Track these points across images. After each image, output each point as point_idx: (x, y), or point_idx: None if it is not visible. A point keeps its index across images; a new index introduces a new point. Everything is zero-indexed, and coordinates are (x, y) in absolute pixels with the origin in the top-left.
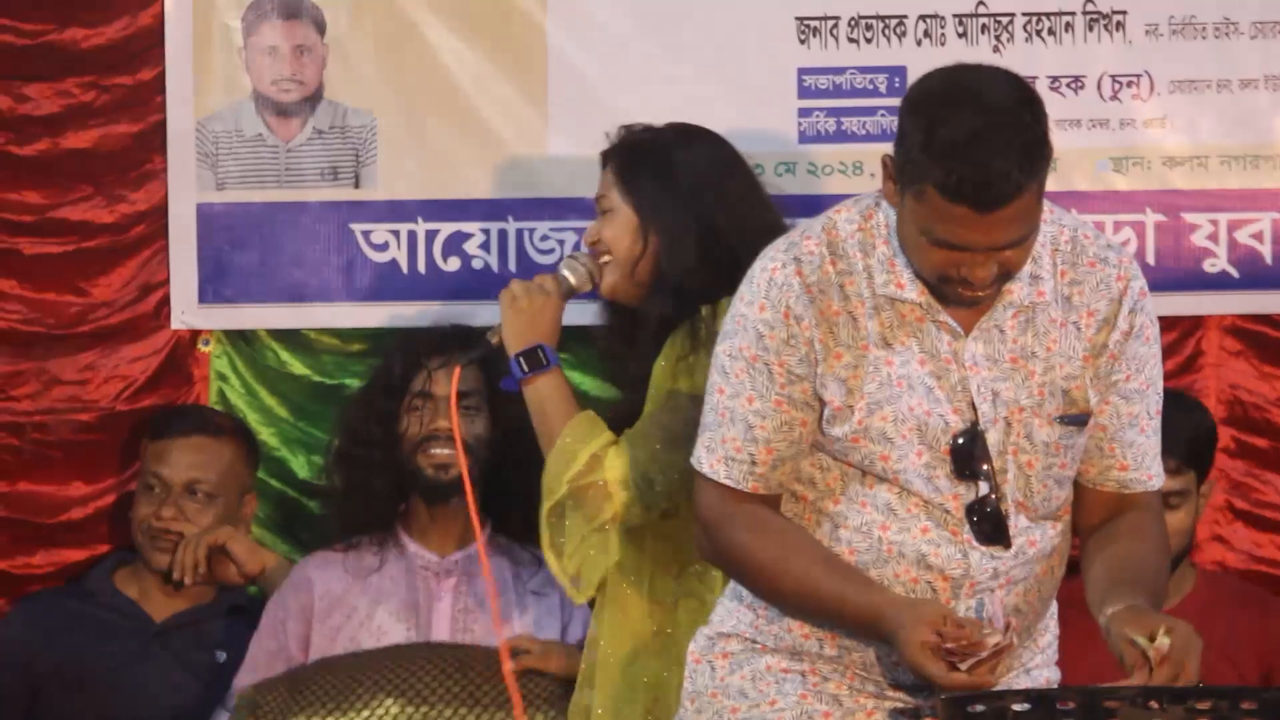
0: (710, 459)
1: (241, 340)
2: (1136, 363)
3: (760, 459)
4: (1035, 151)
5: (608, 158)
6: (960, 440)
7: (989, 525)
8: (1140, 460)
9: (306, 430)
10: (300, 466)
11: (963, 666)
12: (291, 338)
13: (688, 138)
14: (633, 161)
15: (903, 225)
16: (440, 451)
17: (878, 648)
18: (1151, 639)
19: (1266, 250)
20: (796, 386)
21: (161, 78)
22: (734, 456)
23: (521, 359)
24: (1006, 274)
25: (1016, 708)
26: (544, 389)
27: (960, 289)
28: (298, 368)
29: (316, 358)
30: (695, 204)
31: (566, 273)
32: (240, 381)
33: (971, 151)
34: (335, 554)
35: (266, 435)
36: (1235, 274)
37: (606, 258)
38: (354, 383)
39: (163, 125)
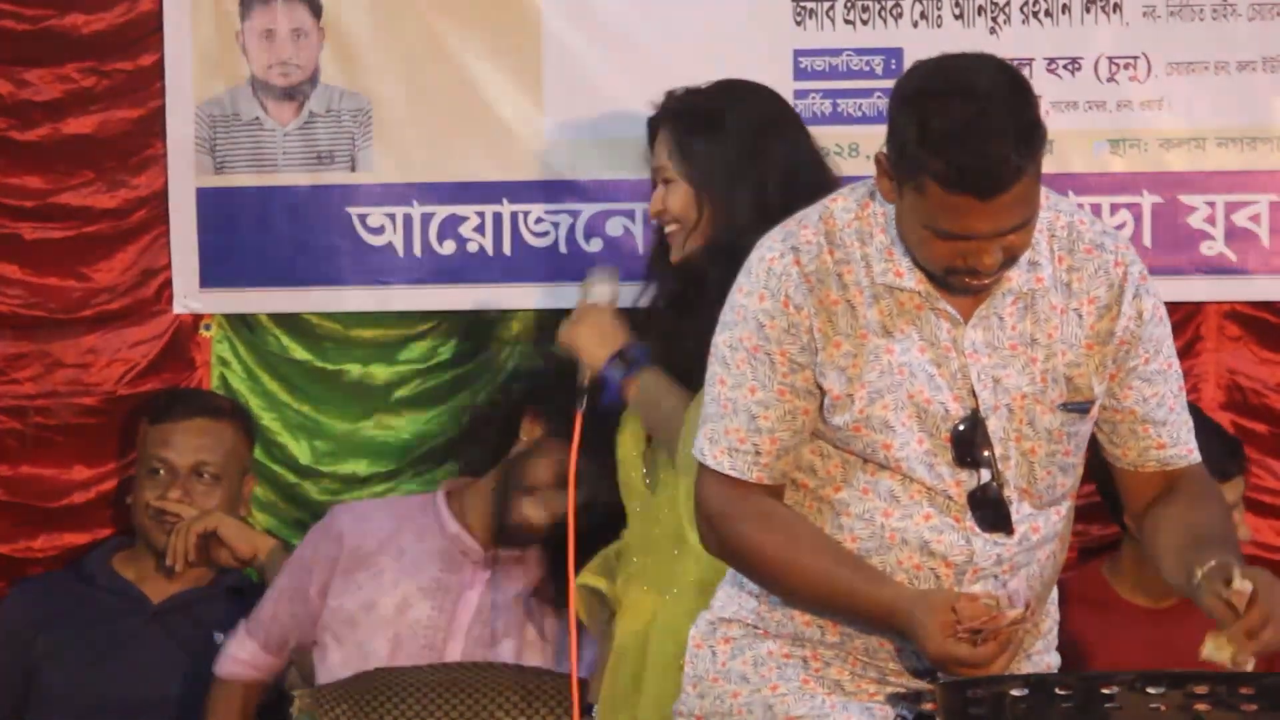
0: (714, 450)
1: (243, 325)
2: (1154, 345)
3: (764, 449)
4: (1031, 134)
5: (658, 125)
6: (961, 427)
7: (991, 512)
8: (1176, 437)
9: (308, 415)
10: (302, 451)
11: (980, 638)
12: (292, 322)
13: (736, 96)
14: (685, 127)
15: (902, 220)
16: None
17: (881, 636)
18: (1228, 583)
19: (1263, 232)
20: (798, 375)
21: (162, 63)
22: (738, 447)
23: (614, 364)
24: (1011, 259)
25: (1014, 693)
26: (648, 382)
27: (966, 278)
28: (299, 352)
29: (318, 343)
30: (745, 164)
31: (597, 291)
32: (242, 366)
33: (968, 140)
34: (372, 509)
35: (268, 420)
36: (1232, 256)
37: (673, 227)
38: (355, 367)
39: (163, 110)
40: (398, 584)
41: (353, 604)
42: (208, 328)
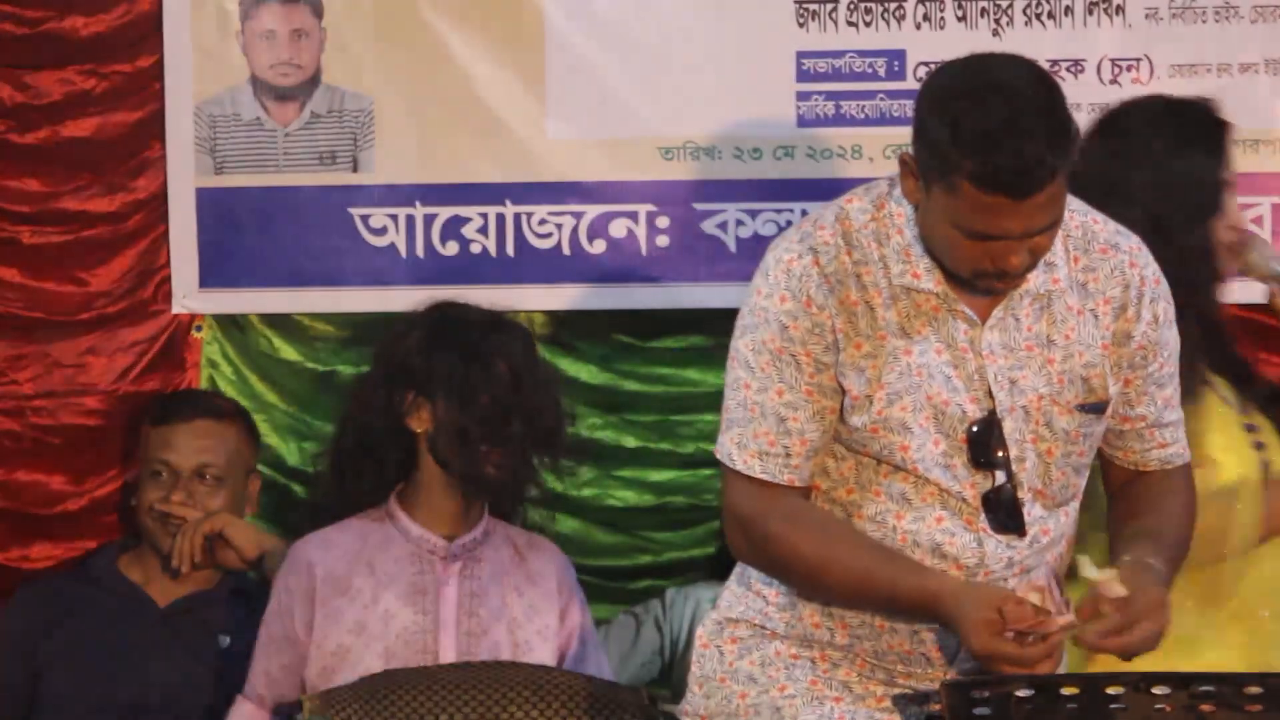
0: (743, 454)
1: (233, 326)
2: (1167, 350)
3: (795, 450)
4: (1063, 133)
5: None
6: (976, 429)
7: (1004, 514)
8: (1176, 436)
9: (298, 416)
10: (290, 453)
11: (1029, 640)
12: (283, 324)
13: None
14: None
15: (928, 221)
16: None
17: (890, 638)
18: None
19: (1265, 234)
20: (824, 375)
21: (160, 64)
22: (768, 450)
23: None
24: (1035, 260)
25: (1020, 694)
26: None
27: (994, 280)
28: (289, 354)
29: (308, 344)
30: None
31: None
32: (231, 368)
33: (1003, 140)
34: (334, 534)
35: (257, 421)
36: None
37: None
38: (346, 369)
39: (162, 112)
40: (377, 599)
41: (340, 632)
42: (198, 329)
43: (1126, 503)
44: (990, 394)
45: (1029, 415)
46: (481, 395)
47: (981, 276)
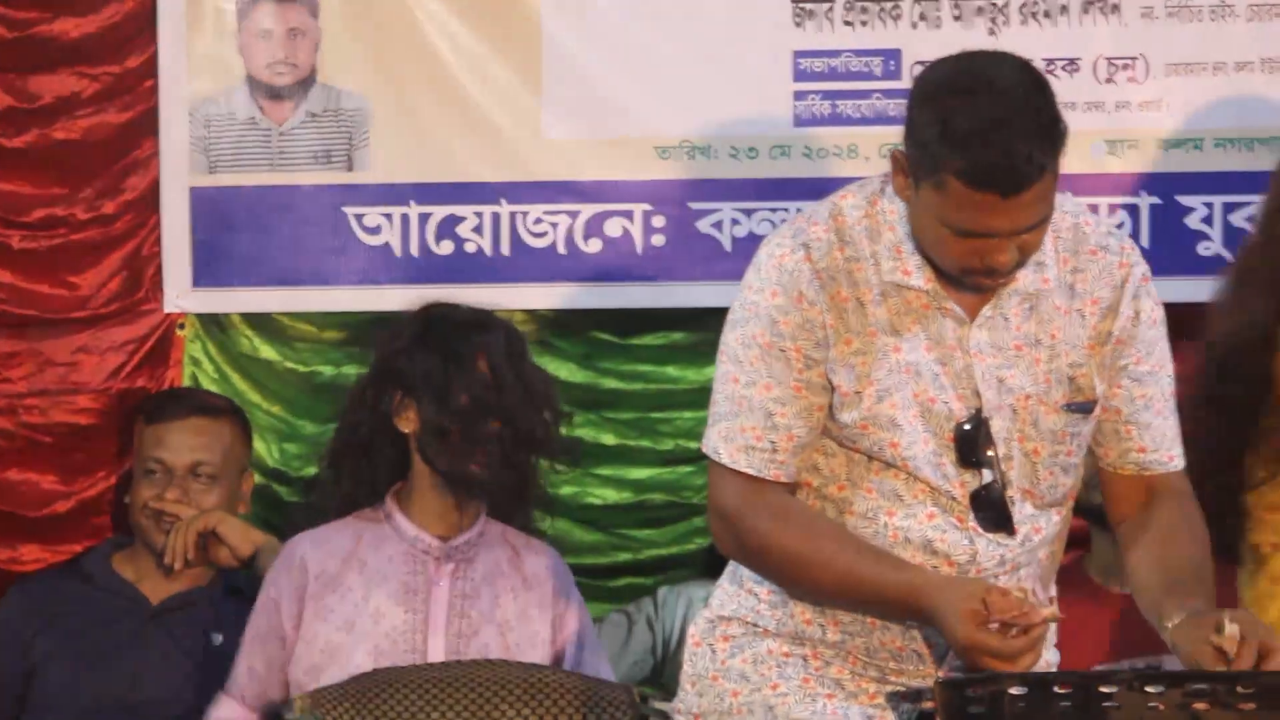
0: (729, 448)
1: (214, 325)
2: (1145, 346)
3: (781, 446)
4: (1052, 131)
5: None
6: (965, 427)
7: (993, 512)
8: (1159, 442)
9: (280, 416)
10: (271, 453)
11: (1012, 633)
12: (265, 324)
13: None
14: None
15: (919, 219)
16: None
17: (902, 624)
18: (1218, 630)
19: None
20: (813, 371)
21: (149, 63)
22: (754, 445)
23: None
24: (1024, 258)
25: (1014, 691)
26: None
27: (982, 278)
28: (270, 353)
29: (290, 344)
30: None
31: None
32: (213, 366)
33: (992, 138)
34: (329, 531)
35: None
36: (1229, 257)
37: None
38: (328, 369)
39: (152, 111)
40: (368, 597)
41: (329, 629)
42: (181, 327)
43: (1143, 548)
44: (977, 393)
45: (1016, 414)
46: (461, 395)
47: (970, 274)
